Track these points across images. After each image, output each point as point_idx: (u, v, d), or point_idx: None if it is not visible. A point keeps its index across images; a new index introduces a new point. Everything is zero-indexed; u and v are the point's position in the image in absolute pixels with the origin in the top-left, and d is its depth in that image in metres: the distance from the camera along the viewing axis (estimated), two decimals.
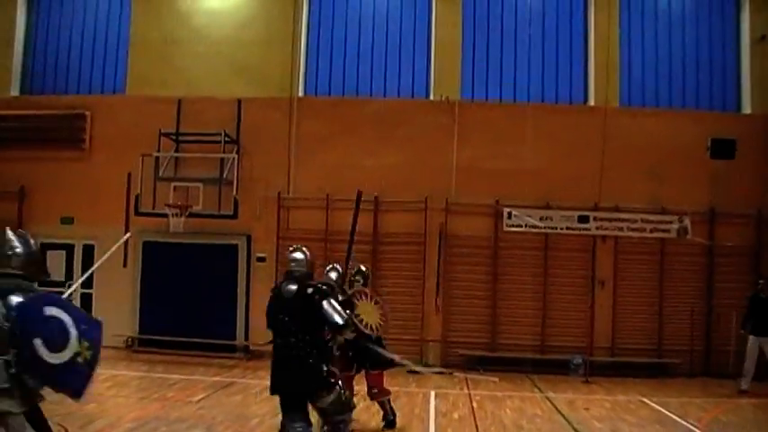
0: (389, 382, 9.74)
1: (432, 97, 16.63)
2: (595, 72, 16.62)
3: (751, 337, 13.91)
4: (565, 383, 14.32)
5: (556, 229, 16.05)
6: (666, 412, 11.43)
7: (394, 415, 9.50)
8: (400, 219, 16.18)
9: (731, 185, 16.10)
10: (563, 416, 10.84)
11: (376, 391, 9.20)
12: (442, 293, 16.03)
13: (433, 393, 12.46)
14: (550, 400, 12.23)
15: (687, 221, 16.05)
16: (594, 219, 16.08)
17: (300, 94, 16.84)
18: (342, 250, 15.59)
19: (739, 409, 10.09)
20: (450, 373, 14.24)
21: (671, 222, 16.07)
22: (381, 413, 9.56)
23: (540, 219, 15.98)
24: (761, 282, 14.27)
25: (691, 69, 17.03)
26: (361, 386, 9.62)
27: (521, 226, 15.98)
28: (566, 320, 15.88)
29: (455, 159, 16.11)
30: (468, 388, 13.30)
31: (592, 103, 16.70)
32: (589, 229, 16.07)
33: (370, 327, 8.33)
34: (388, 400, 9.46)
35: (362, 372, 9.30)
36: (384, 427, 9.42)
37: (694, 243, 16.00)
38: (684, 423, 10.43)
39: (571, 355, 15.59)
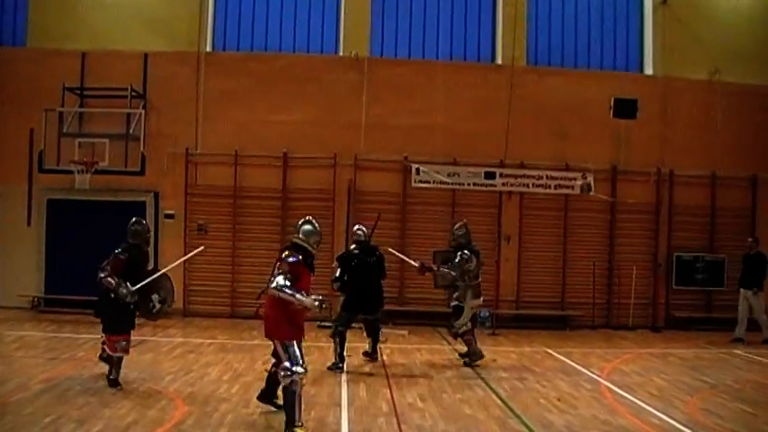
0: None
1: (341, 53, 17.45)
2: (503, 31, 17.67)
3: (741, 290, 15.57)
4: None
5: (463, 185, 17.12)
6: (570, 362, 12.36)
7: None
8: (309, 175, 16.98)
9: (633, 144, 17.47)
10: (471, 367, 11.62)
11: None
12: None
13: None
14: (458, 352, 12.90)
15: (590, 178, 17.35)
16: (501, 175, 17.22)
17: (209, 48, 17.37)
18: (253, 206, 16.62)
19: (639, 359, 10.89)
20: (360, 327, 15.18)
21: (575, 179, 17.33)
22: None
23: (448, 175, 17.00)
24: (750, 240, 15.84)
25: (596, 30, 18.28)
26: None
27: (429, 182, 16.98)
28: None
29: (364, 116, 16.95)
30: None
31: (499, 61, 17.77)
32: (495, 186, 17.21)
33: None
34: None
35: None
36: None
37: (597, 199, 17.33)
38: (587, 372, 11.21)
39: (478, 308, 16.66)
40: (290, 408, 7.33)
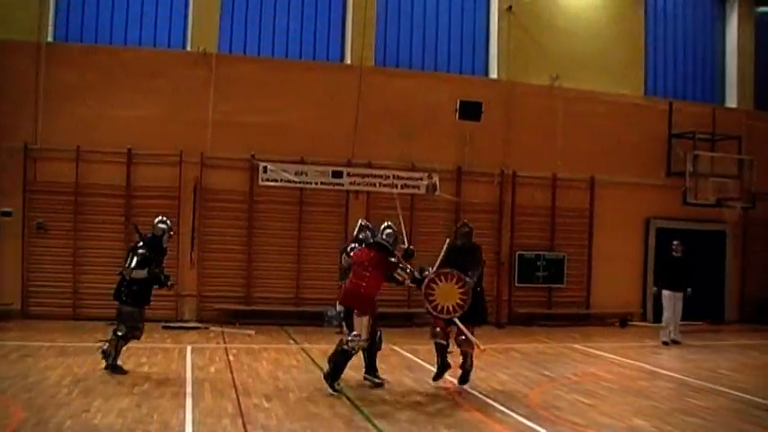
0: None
1: (189, 49, 18.21)
2: (352, 31, 18.97)
3: (665, 293, 16.67)
4: (319, 334, 16.13)
5: (310, 183, 18.30)
6: (415, 358, 13.24)
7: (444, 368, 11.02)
8: (154, 172, 17.59)
9: (477, 146, 19.11)
10: (318, 366, 12.09)
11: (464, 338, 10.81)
12: (198, 248, 17.75)
13: (189, 348, 13.56)
14: (306, 351, 13.78)
15: (436, 179, 18.99)
16: (348, 174, 18.54)
17: (50, 38, 17.63)
18: (95, 204, 17.16)
19: (482, 355, 11.33)
20: (207, 328, 16.23)
21: (421, 179, 18.92)
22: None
23: (296, 173, 18.14)
24: (674, 243, 16.97)
25: (443, 34, 19.93)
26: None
27: (276, 180, 18.06)
28: (320, 273, 18.07)
29: (211, 113, 17.78)
30: (224, 341, 14.74)
31: (348, 61, 19.08)
32: (343, 185, 18.52)
33: (446, 309, 10.62)
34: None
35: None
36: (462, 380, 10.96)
37: (442, 199, 18.93)
38: (432, 368, 11.46)
39: (325, 306, 17.77)
40: (340, 367, 10.08)
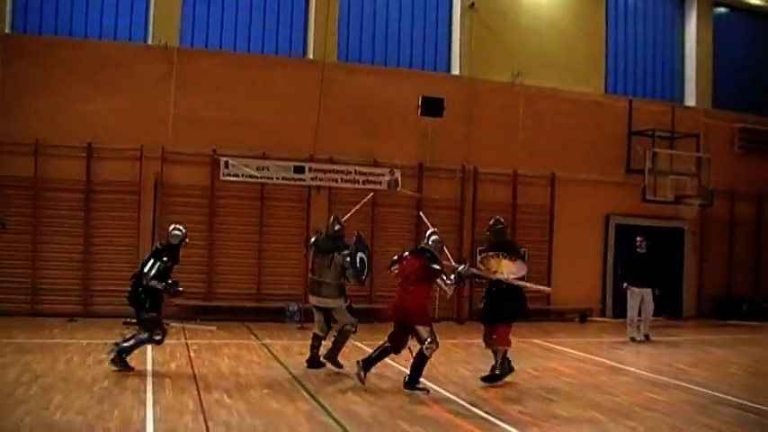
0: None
1: (150, 42, 18.18)
2: (315, 26, 19.10)
3: (633, 289, 16.78)
4: (281, 330, 16.27)
5: (272, 179, 18.41)
6: None
7: (509, 366, 11.18)
8: (115, 167, 17.54)
9: (439, 142, 19.35)
10: (279, 361, 12.28)
11: (496, 338, 11.15)
12: (158, 243, 17.69)
13: (149, 345, 13.85)
14: (267, 347, 13.77)
15: (398, 174, 19.19)
16: (310, 170, 18.67)
17: (8, 30, 17.51)
18: (55, 199, 17.07)
19: (443, 350, 11.49)
20: (167, 324, 16.22)
21: (383, 175, 19.09)
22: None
23: (257, 169, 18.22)
24: (638, 239, 17.09)
25: (406, 30, 20.13)
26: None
27: (237, 176, 18.13)
28: (281, 269, 18.27)
29: (172, 107, 17.73)
30: (185, 338, 14.66)
31: (311, 56, 19.20)
32: (304, 180, 18.65)
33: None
34: (506, 352, 11.17)
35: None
36: (486, 378, 11.12)
37: (404, 195, 19.15)
38: (394, 365, 11.58)
39: (286, 302, 18.03)
40: (419, 370, 10.27)
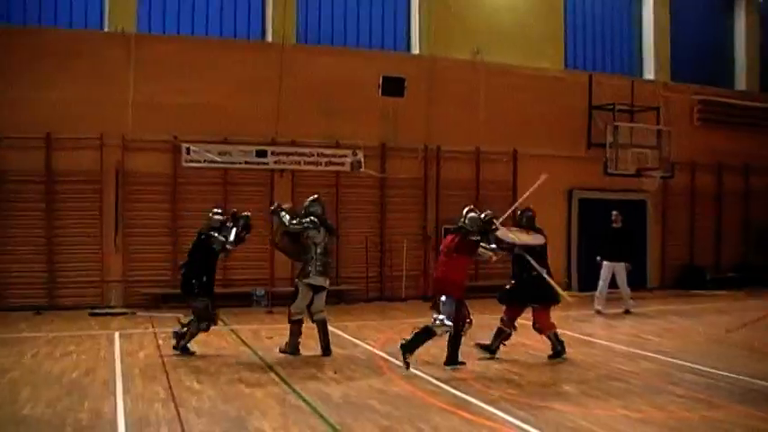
0: None
1: (107, 29, 18.00)
2: (273, 8, 19.07)
3: (605, 263, 17.19)
4: (249, 315, 16.41)
5: (235, 163, 18.41)
6: (345, 335, 13.56)
7: (561, 346, 11.67)
8: (74, 156, 17.40)
9: (401, 121, 19.47)
10: (248, 346, 12.48)
11: (538, 326, 11.64)
12: (122, 232, 17.68)
13: (117, 334, 13.60)
14: (235, 332, 13.91)
15: (360, 155, 19.25)
16: (272, 153, 18.68)
17: None
18: (16, 191, 16.92)
19: (412, 329, 11.31)
20: (134, 313, 16.27)
21: (345, 156, 19.16)
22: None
23: (219, 154, 18.20)
24: (614, 213, 17.45)
25: (365, 10, 20.17)
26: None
27: (200, 161, 18.09)
28: (247, 254, 17.67)
29: (132, 94, 17.56)
30: (152, 326, 14.72)
31: (269, 39, 19.18)
32: (267, 164, 18.65)
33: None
34: (555, 334, 11.68)
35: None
36: (551, 356, 11.60)
37: (367, 176, 19.25)
38: (362, 344, 12.17)
39: (253, 287, 18.16)
40: (417, 341, 10.40)
